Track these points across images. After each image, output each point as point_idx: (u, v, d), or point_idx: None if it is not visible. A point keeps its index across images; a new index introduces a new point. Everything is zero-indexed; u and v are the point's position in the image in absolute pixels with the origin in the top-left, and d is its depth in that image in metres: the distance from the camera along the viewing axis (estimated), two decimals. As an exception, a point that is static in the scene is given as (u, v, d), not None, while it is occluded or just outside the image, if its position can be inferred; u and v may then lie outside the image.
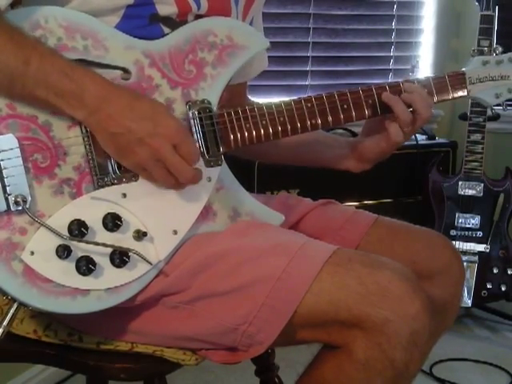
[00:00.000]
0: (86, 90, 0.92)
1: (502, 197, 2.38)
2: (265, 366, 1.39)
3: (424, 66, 2.81)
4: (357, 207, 1.31)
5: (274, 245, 1.00)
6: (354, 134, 2.45)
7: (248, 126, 1.05)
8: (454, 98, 1.19)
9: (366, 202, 2.41)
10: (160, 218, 1.00)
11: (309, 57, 2.66)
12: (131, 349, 1.05)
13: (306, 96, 1.10)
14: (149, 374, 1.06)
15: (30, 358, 1.13)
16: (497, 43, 2.29)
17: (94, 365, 1.04)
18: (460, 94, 1.19)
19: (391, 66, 2.79)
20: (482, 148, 2.36)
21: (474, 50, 1.24)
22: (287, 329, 0.97)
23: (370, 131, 1.18)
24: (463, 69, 1.20)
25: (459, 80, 1.19)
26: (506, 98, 1.23)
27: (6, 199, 0.91)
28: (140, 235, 0.97)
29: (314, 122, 1.10)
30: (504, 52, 1.23)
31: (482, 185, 2.38)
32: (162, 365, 1.05)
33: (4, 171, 0.91)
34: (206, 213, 1.05)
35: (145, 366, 1.04)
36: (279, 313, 0.96)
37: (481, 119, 2.35)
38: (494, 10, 2.30)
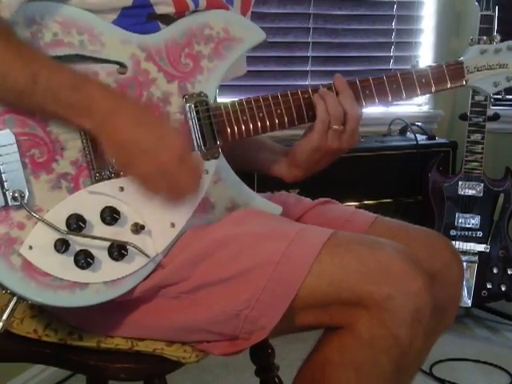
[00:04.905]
0: (94, 103, 0.92)
1: (501, 197, 2.38)
2: (265, 366, 1.39)
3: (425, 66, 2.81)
4: (357, 207, 1.31)
5: (271, 230, 1.01)
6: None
7: (245, 118, 1.06)
8: (452, 88, 1.19)
9: (365, 201, 2.41)
10: (157, 210, 1.00)
11: (309, 57, 2.66)
12: (131, 347, 1.05)
13: (303, 88, 1.11)
14: (149, 374, 1.06)
15: (30, 357, 1.13)
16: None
17: (94, 365, 1.04)
18: (458, 83, 1.19)
19: (391, 66, 2.80)
20: (482, 148, 2.36)
21: (472, 39, 1.23)
22: (289, 313, 0.97)
23: (305, 134, 1.15)
24: (461, 58, 1.20)
25: (457, 69, 1.19)
26: (505, 86, 1.22)
27: (4, 194, 0.92)
28: (138, 228, 0.98)
29: (311, 113, 1.11)
30: (502, 41, 1.22)
31: (482, 185, 2.38)
32: (162, 365, 1.05)
33: (1, 167, 0.92)
34: (204, 205, 1.06)
35: (145, 365, 1.04)
36: (281, 296, 0.96)
37: (481, 119, 2.35)
38: (493, 10, 2.30)
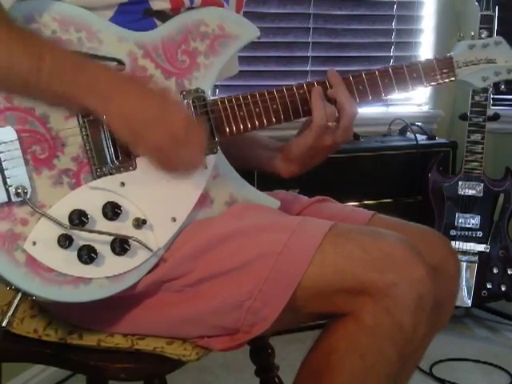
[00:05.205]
0: (99, 78, 0.94)
1: (501, 197, 2.38)
2: (265, 366, 1.39)
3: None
4: (357, 207, 1.32)
5: (272, 222, 1.03)
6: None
7: (242, 114, 1.08)
8: (443, 82, 1.22)
9: (365, 201, 2.41)
10: (159, 205, 1.01)
11: (309, 57, 2.66)
12: (132, 346, 1.05)
13: (297, 83, 1.13)
14: (149, 374, 1.06)
15: (30, 357, 1.13)
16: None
17: (94, 365, 1.04)
18: (448, 77, 1.23)
19: (391, 66, 2.80)
20: (482, 148, 2.36)
21: (460, 35, 1.27)
22: (293, 304, 0.98)
23: (300, 131, 1.17)
24: (450, 53, 1.24)
25: (447, 64, 1.22)
26: (493, 80, 1.26)
27: (7, 191, 0.92)
28: (139, 223, 0.99)
29: (306, 108, 1.12)
30: (489, 36, 1.26)
31: (482, 185, 2.38)
32: (163, 364, 1.05)
33: (4, 163, 0.92)
34: (204, 200, 1.07)
35: (145, 365, 1.04)
36: (284, 286, 0.97)
37: (481, 119, 2.35)
38: (493, 10, 2.30)
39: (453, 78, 1.23)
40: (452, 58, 1.23)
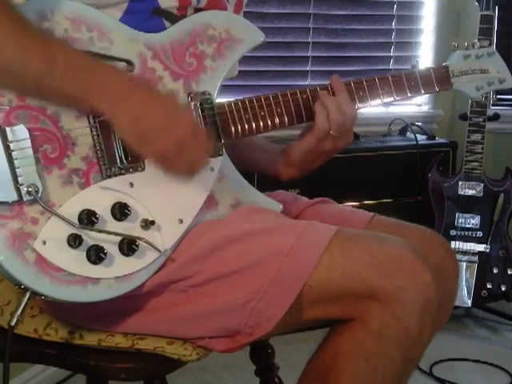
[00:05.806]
0: (111, 81, 0.95)
1: (501, 197, 2.38)
2: (265, 366, 1.39)
3: (424, 66, 2.81)
4: (357, 207, 1.32)
5: (279, 225, 1.04)
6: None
7: (247, 117, 1.09)
8: (439, 91, 1.25)
9: (365, 202, 2.42)
10: (166, 207, 1.02)
11: (309, 57, 2.66)
12: (132, 345, 1.05)
13: (301, 88, 1.14)
14: (149, 374, 1.06)
15: (30, 357, 1.13)
16: (497, 43, 2.30)
17: (94, 365, 1.04)
18: (444, 86, 1.25)
19: (391, 66, 2.80)
20: (482, 148, 2.36)
21: (454, 45, 1.29)
22: (300, 306, 0.98)
23: (302, 135, 1.19)
24: (446, 63, 1.26)
25: (443, 73, 1.25)
26: (487, 90, 1.29)
27: (18, 189, 0.92)
28: (147, 224, 0.99)
29: (309, 113, 1.14)
30: (483, 47, 1.29)
31: (482, 185, 2.38)
32: (163, 364, 1.05)
33: (15, 161, 0.92)
34: (209, 202, 1.08)
35: (145, 365, 1.04)
36: (289, 287, 0.97)
37: (481, 119, 2.35)
38: (493, 10, 2.30)
39: (448, 87, 1.25)
40: (448, 67, 1.25)
